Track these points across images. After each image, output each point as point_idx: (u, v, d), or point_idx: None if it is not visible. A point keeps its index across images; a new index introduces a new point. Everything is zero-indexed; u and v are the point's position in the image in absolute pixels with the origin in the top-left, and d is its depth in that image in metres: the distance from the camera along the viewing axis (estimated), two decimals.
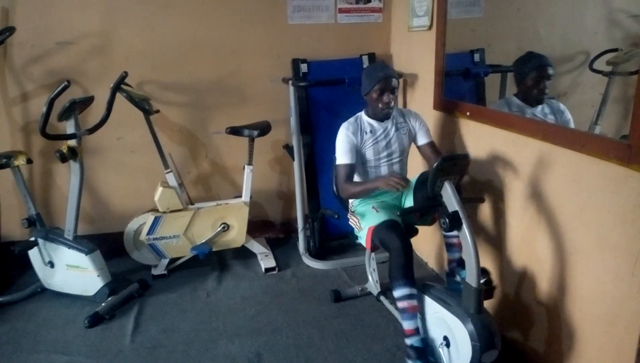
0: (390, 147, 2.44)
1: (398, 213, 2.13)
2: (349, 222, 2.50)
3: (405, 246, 2.08)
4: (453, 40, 2.67)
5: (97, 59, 3.01)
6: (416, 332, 2.08)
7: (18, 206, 3.06)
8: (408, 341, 2.09)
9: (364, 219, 2.31)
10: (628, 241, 1.59)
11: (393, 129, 2.44)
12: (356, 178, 2.45)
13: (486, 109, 2.57)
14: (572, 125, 2.32)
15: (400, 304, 2.09)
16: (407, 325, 2.09)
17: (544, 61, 2.32)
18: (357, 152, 2.40)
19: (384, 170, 2.45)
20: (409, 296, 2.07)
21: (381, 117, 2.41)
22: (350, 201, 2.53)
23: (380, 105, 2.35)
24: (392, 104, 2.36)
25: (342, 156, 2.36)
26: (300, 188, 3.25)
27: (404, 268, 2.07)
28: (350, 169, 2.36)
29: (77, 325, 2.51)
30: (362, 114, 2.46)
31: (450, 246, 2.35)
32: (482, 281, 2.16)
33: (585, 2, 2.71)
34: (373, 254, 2.63)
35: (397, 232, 2.12)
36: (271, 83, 3.28)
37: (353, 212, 2.46)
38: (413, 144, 2.53)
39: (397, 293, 2.09)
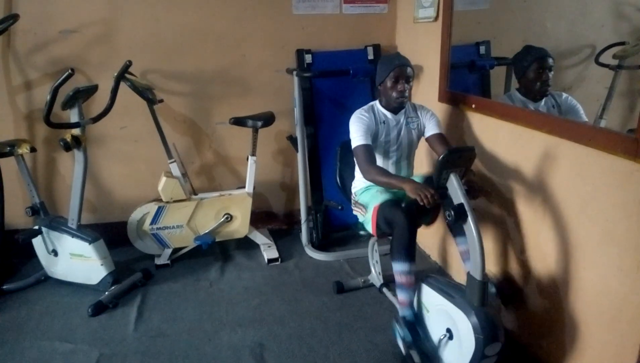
0: (400, 141, 2.43)
1: (403, 205, 2.12)
2: (354, 211, 2.50)
3: (409, 222, 2.08)
4: (459, 32, 2.65)
5: (100, 48, 2.99)
6: (409, 304, 2.16)
7: (22, 194, 3.06)
8: (401, 312, 2.19)
9: (369, 204, 2.32)
10: (633, 235, 1.58)
11: (404, 123, 2.43)
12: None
13: (492, 102, 2.56)
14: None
15: (399, 278, 2.15)
16: (402, 296, 2.17)
17: (543, 52, 2.29)
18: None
19: (391, 163, 2.45)
20: (408, 272, 2.13)
21: (395, 107, 2.39)
22: (353, 191, 2.53)
23: (394, 94, 2.33)
24: (407, 93, 2.34)
25: (360, 137, 2.31)
26: (303, 179, 3.25)
27: (406, 244, 2.10)
28: (370, 149, 2.31)
29: (81, 314, 2.53)
30: (377, 104, 2.45)
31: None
32: (493, 291, 2.20)
33: None
34: (376, 246, 2.64)
35: (401, 209, 2.12)
36: (275, 74, 3.26)
37: (357, 202, 2.46)
38: (421, 142, 2.51)
39: (397, 267, 2.14)
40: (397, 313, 2.24)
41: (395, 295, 2.48)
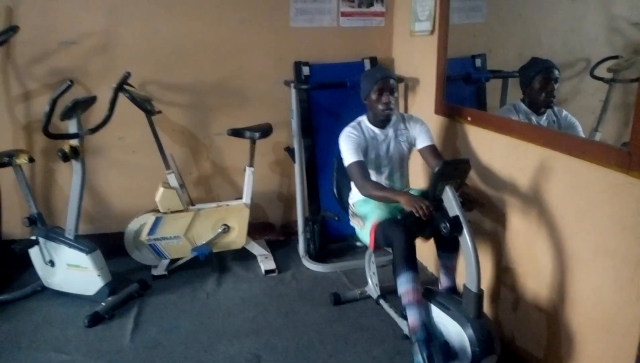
0: (390, 155, 2.45)
1: (399, 217, 2.12)
2: (351, 223, 2.51)
3: (408, 239, 2.08)
4: (455, 45, 2.68)
5: (100, 59, 3.02)
6: (422, 325, 2.01)
7: (19, 204, 3.06)
8: (414, 337, 2.01)
9: (367, 218, 2.32)
10: (627, 247, 1.59)
11: (393, 136, 2.45)
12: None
13: (487, 114, 2.59)
14: None
15: (406, 296, 2.05)
16: (413, 318, 2.03)
17: (550, 64, 2.32)
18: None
19: (384, 178, 2.46)
20: (414, 284, 2.05)
21: (382, 119, 2.41)
22: (351, 202, 2.54)
23: (380, 106, 2.34)
24: (392, 105, 2.36)
25: (353, 154, 2.32)
26: (300, 190, 3.25)
27: (407, 259, 2.08)
28: (363, 165, 2.33)
29: (77, 325, 2.52)
30: (364, 120, 2.47)
31: (446, 269, 2.38)
32: None
33: (586, 9, 2.73)
34: (373, 257, 2.64)
35: (400, 226, 2.11)
36: (273, 85, 3.29)
37: (354, 213, 2.47)
38: (414, 152, 2.53)
39: (402, 282, 2.06)
40: (413, 342, 2.03)
41: (392, 306, 2.49)
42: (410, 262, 2.09)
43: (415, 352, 1.99)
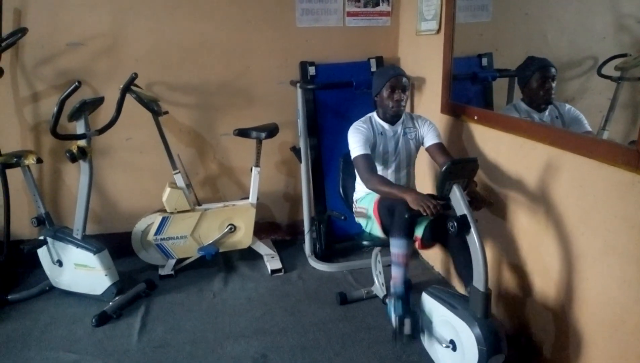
0: (398, 151, 2.45)
1: (406, 216, 2.12)
2: (356, 219, 2.51)
3: (410, 210, 2.08)
4: (461, 45, 2.68)
5: (107, 60, 3.03)
6: (402, 281, 2.19)
7: (27, 205, 3.08)
8: (393, 289, 2.20)
9: (369, 203, 2.34)
10: (635, 246, 1.58)
11: (402, 133, 2.45)
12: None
13: (494, 113, 2.58)
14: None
15: (396, 257, 2.17)
16: (396, 273, 2.19)
17: (545, 62, 2.32)
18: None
19: (390, 173, 2.46)
20: (405, 249, 2.15)
21: (392, 116, 2.42)
22: (355, 200, 2.55)
23: (391, 103, 2.36)
24: (403, 102, 2.37)
25: (359, 147, 2.34)
26: (307, 190, 3.26)
27: (405, 223, 2.12)
28: (370, 159, 2.34)
29: (85, 324, 2.53)
30: (374, 115, 2.48)
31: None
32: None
33: (593, 7, 2.71)
34: (379, 256, 2.64)
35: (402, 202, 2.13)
36: (279, 85, 3.29)
37: (358, 208, 2.48)
38: (421, 152, 2.53)
39: (395, 244, 2.16)
40: (390, 290, 2.25)
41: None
42: (408, 230, 2.15)
43: (390, 303, 2.18)
